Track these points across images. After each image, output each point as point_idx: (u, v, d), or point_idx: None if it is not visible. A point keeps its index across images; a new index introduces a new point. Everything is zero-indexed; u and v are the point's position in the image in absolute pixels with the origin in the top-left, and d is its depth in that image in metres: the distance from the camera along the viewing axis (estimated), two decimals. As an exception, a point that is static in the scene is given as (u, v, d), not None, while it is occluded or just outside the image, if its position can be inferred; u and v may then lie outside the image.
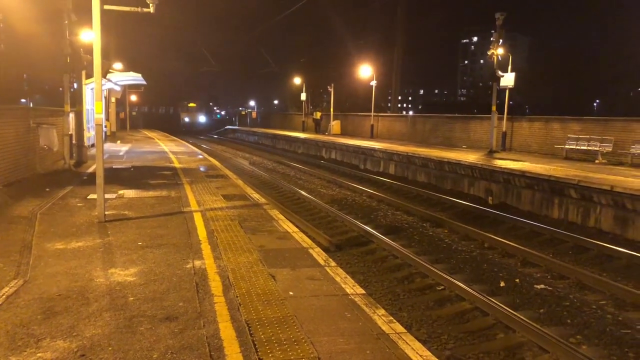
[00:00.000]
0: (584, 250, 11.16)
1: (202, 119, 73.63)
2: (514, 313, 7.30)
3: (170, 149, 26.36)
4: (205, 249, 7.45)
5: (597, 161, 18.96)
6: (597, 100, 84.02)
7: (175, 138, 37.59)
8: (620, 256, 10.51)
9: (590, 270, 9.82)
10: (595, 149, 19.42)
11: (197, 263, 6.74)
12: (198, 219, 9.36)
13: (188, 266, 6.61)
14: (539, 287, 8.97)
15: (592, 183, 13.10)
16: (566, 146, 20.66)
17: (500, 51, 21.29)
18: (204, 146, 36.60)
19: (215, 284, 5.96)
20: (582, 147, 20.03)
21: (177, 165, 18.42)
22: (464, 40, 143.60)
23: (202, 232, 8.40)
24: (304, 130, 46.45)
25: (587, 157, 19.72)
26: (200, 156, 22.80)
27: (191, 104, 72.49)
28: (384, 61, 47.65)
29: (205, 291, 5.73)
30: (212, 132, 68.61)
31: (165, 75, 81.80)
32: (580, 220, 13.46)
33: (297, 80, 50.96)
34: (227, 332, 4.70)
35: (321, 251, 7.61)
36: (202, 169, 17.55)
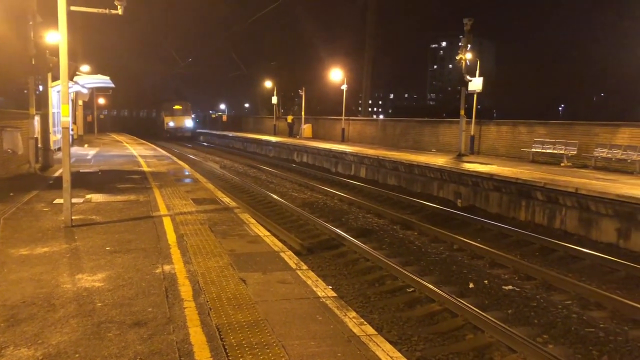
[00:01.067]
0: (550, 251, 11.40)
1: (189, 123, 58.62)
2: (483, 314, 7.41)
3: (139, 152, 26.01)
4: (175, 253, 7.37)
5: (562, 164, 19.40)
6: (562, 105, 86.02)
7: (144, 141, 37.09)
8: (585, 257, 10.77)
9: (556, 270, 10.03)
10: (561, 152, 19.86)
11: (167, 268, 6.66)
12: (167, 224, 9.26)
13: (157, 271, 6.53)
14: (507, 288, 9.13)
15: (558, 185, 13.40)
16: (532, 149, 21.08)
17: (468, 56, 21.64)
18: (174, 150, 36.20)
19: (185, 289, 5.90)
20: (548, 151, 20.47)
21: (146, 169, 18.19)
22: (433, 45, 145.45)
23: (171, 237, 8.31)
24: (275, 134, 46.37)
25: (553, 160, 20.15)
26: (170, 160, 22.56)
27: (177, 106, 57.28)
28: (355, 65, 47.92)
29: (175, 296, 5.67)
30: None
31: (134, 78, 73.85)
32: (547, 222, 13.74)
33: (269, 84, 50.86)
34: (197, 337, 4.66)
35: (292, 254, 7.60)
36: (171, 172, 17.36)
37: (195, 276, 6.36)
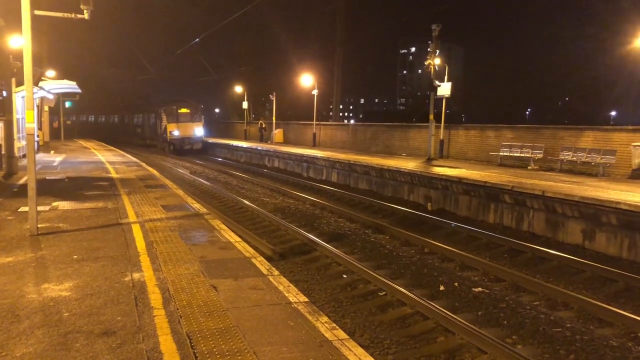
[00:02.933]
0: (518, 253, 11.59)
1: (199, 131, 41.99)
2: (454, 316, 7.49)
3: (107, 159, 25.58)
4: (144, 261, 7.26)
5: (529, 167, 19.77)
6: (529, 109, 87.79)
7: (112, 148, 36.49)
8: (552, 258, 10.98)
9: (525, 272, 10.21)
10: (528, 155, 20.25)
11: (136, 276, 6.56)
12: (137, 231, 9.12)
13: (126, 279, 6.43)
14: (476, 290, 9.25)
15: (525, 188, 13.65)
16: (500, 153, 21.44)
17: (437, 61, 21.91)
18: (142, 155, 35.69)
19: (155, 297, 5.82)
20: (516, 154, 20.85)
21: (114, 175, 17.90)
22: (403, 51, 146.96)
23: (140, 244, 8.19)
24: (246, 139, 46.14)
25: (520, 164, 20.53)
26: (139, 166, 22.24)
27: (183, 109, 41.48)
28: (325, 70, 48.13)
29: (145, 304, 5.59)
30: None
31: (103, 84, 70.26)
32: (515, 224, 13.98)
33: (239, 89, 50.64)
34: (167, 345, 4.60)
35: (264, 260, 7.57)
36: (140, 179, 17.11)
37: (165, 284, 6.28)
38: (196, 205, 12.15)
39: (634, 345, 7.01)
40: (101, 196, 12.96)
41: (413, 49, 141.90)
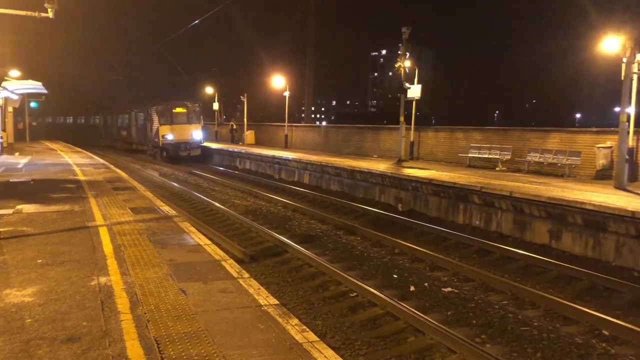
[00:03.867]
0: (487, 253, 11.75)
1: (197, 135, 35.41)
2: (424, 316, 7.56)
3: (74, 161, 25.08)
4: (112, 264, 7.12)
5: (497, 168, 20.08)
6: (497, 111, 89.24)
7: (80, 149, 35.82)
8: (520, 258, 11.16)
9: (493, 272, 10.35)
10: (496, 157, 20.56)
11: (103, 280, 6.43)
12: (104, 234, 8.95)
13: (93, 283, 6.29)
14: (446, 290, 9.34)
15: (493, 189, 13.85)
16: (469, 154, 21.72)
17: (407, 64, 22.10)
18: (110, 157, 35.10)
19: (122, 301, 5.71)
20: (484, 156, 21.15)
21: (81, 177, 17.55)
22: (374, 53, 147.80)
23: (108, 248, 8.04)
24: (217, 140, 45.78)
25: (489, 165, 20.83)
26: (107, 168, 21.87)
27: (179, 109, 35.18)
28: (297, 72, 48.06)
29: (111, 309, 5.48)
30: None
31: (70, 84, 68.60)
32: (484, 224, 14.18)
33: (209, 90, 50.23)
34: (134, 350, 4.51)
35: (234, 263, 7.50)
36: (108, 181, 16.82)
37: (133, 287, 6.17)
38: (165, 208, 11.99)
39: (598, 342, 7.17)
40: (68, 199, 12.68)
41: (384, 52, 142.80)
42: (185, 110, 35.14)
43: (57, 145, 40.84)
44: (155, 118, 34.55)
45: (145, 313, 5.38)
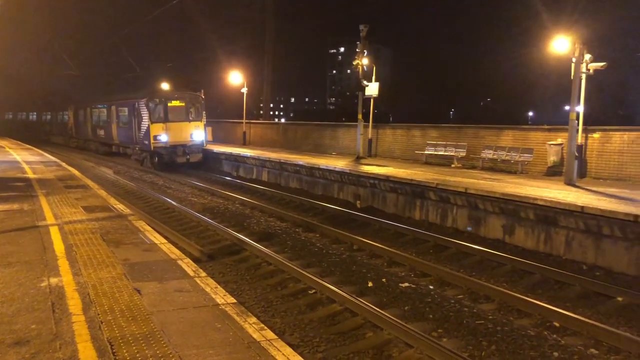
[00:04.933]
0: (443, 248, 11.95)
1: (199, 135, 28.35)
2: (381, 312, 7.62)
3: (23, 158, 24.22)
4: (63, 265, 6.91)
5: (453, 165, 20.44)
6: (453, 109, 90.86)
7: (30, 147, 34.61)
8: (475, 253, 11.39)
9: (449, 267, 10.53)
10: (451, 154, 20.93)
11: (53, 281, 6.23)
12: (55, 234, 8.67)
13: (43, 284, 6.09)
14: (403, 285, 9.45)
15: (449, 186, 14.09)
16: (426, 152, 22.03)
17: (365, 61, 22.21)
18: (62, 154, 34.07)
19: (74, 302, 5.55)
20: (440, 153, 21.49)
21: (31, 175, 16.97)
22: (332, 51, 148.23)
23: (59, 247, 7.79)
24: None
25: (445, 162, 21.18)
26: (58, 166, 21.21)
27: (175, 102, 27.95)
28: (255, 68, 47.73)
29: (63, 310, 5.31)
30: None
31: (19, 80, 65.75)
32: (440, 220, 14.41)
33: (165, 86, 49.38)
34: (86, 352, 4.39)
35: (191, 262, 7.39)
36: (60, 179, 16.31)
37: (86, 288, 6.00)
38: (119, 206, 11.72)
39: (550, 334, 7.38)
40: (16, 197, 12.23)
41: (342, 49, 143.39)
42: (183, 104, 27.70)
43: (4, 142, 39.38)
44: (145, 114, 26.85)
45: (98, 314, 5.24)
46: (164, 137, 26.58)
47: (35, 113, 59.38)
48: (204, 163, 28.19)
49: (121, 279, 6.41)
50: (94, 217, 10.27)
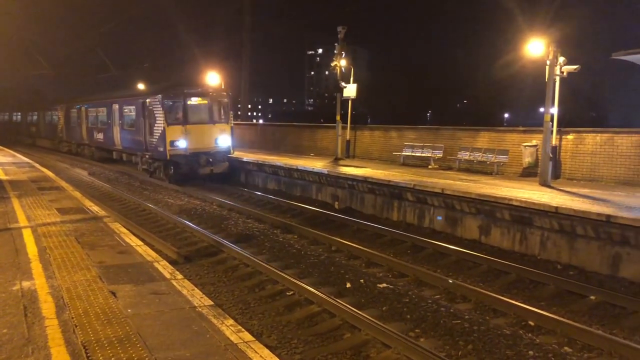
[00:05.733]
0: (420, 249, 12.03)
1: (225, 141, 22.83)
2: (359, 312, 7.64)
3: (-5, 159, 23.77)
4: (36, 268, 6.79)
5: (430, 167, 20.59)
6: (430, 111, 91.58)
7: (2, 147, 33.97)
8: (451, 253, 11.49)
9: (427, 267, 10.61)
10: (428, 155, 21.08)
11: (26, 284, 6.11)
12: (28, 236, 8.52)
13: (15, 288, 5.97)
14: (381, 286, 9.48)
15: (426, 187, 14.19)
16: (403, 153, 22.15)
17: (343, 63, 22.27)
18: (35, 156, 33.48)
19: (48, 306, 5.45)
20: (417, 154, 21.63)
21: (3, 177, 16.65)
22: (310, 52, 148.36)
23: (32, 250, 7.65)
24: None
25: (422, 163, 21.32)
26: (31, 167, 20.85)
27: (198, 100, 22.54)
28: (233, 69, 47.51)
29: (35, 314, 5.21)
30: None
31: None
32: (417, 221, 14.51)
33: (142, 86, 48.84)
34: (60, 357, 4.31)
35: (167, 264, 7.33)
36: (33, 180, 16.03)
37: (60, 291, 5.90)
38: (95, 208, 11.56)
39: (525, 333, 7.48)
40: (-13, 200, 11.99)
41: (320, 50, 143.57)
42: (206, 102, 22.60)
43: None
44: (160, 114, 21.59)
45: (72, 318, 5.16)
46: (182, 143, 21.36)
47: (19, 114, 53.37)
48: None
49: (96, 281, 6.32)
50: (69, 219, 10.11)
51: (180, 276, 6.72)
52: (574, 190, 13.64)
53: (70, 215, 10.54)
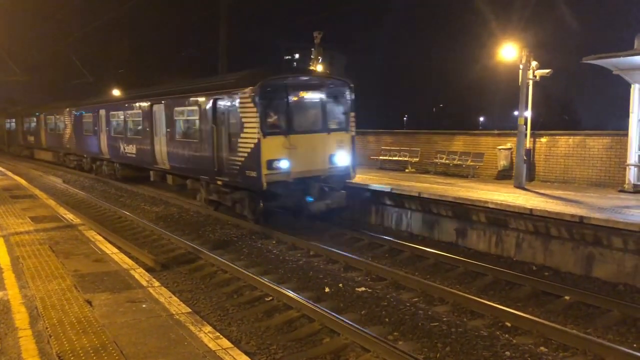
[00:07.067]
0: (398, 252, 12.09)
1: (342, 159, 14.41)
2: (338, 317, 7.65)
3: (-35, 167, 23.28)
4: (9, 277, 6.67)
5: (407, 170, 20.74)
6: (406, 115, 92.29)
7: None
8: (429, 256, 11.57)
9: (404, 270, 10.66)
10: (405, 159, 21.23)
11: (-2, 295, 6.00)
12: (0, 246, 8.36)
13: (-13, 299, 5.85)
14: (360, 289, 9.51)
15: (403, 190, 14.28)
16: (380, 157, 22.28)
17: (319, 68, 22.35)
18: (7, 163, 32.89)
19: (21, 316, 5.36)
20: (394, 158, 21.76)
21: (-26, 185, 16.31)
22: (287, 57, 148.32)
23: (4, 260, 7.51)
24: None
25: (399, 167, 21.46)
26: (3, 175, 20.46)
27: (306, 92, 14.23)
28: (209, 74, 47.31)
29: (8, 325, 5.12)
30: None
31: None
32: (395, 225, 14.58)
33: (117, 92, 48.29)
34: (34, 368, 4.24)
35: (144, 272, 7.26)
36: (5, 189, 15.73)
37: (33, 301, 5.80)
38: (69, 216, 11.40)
39: (502, 334, 7.56)
40: (-42, 209, 11.75)
41: (297, 55, 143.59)
42: (319, 97, 14.68)
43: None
44: (251, 117, 13.45)
45: (47, 328, 5.08)
46: (285, 164, 13.37)
47: (12, 120, 45.12)
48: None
49: (71, 290, 6.23)
50: (42, 227, 9.95)
51: (157, 284, 6.67)
52: (548, 192, 13.87)
53: (44, 223, 10.38)
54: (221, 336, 5.06)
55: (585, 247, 10.35)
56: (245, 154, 13.53)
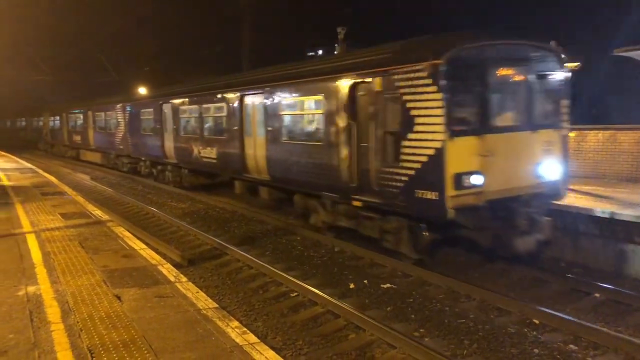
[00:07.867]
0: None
1: (551, 170, 9.85)
2: (364, 313, 7.64)
3: (-2, 165, 23.84)
4: (41, 272, 6.82)
5: None
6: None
7: (4, 153, 34.08)
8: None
9: (429, 267, 10.55)
10: None
11: (31, 289, 6.14)
12: (32, 241, 8.55)
13: (20, 293, 6.00)
14: (385, 286, 9.47)
15: None
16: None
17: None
18: (38, 161, 33.58)
19: (53, 310, 5.47)
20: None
21: (6, 183, 16.70)
22: (310, 53, 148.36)
23: (36, 255, 7.68)
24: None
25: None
26: (34, 172, 20.90)
27: (509, 70, 9.35)
28: (233, 71, 47.59)
29: (41, 319, 5.24)
30: None
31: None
32: None
33: (143, 90, 48.86)
34: (66, 361, 4.33)
35: (172, 267, 7.36)
36: (36, 186, 16.08)
37: (65, 296, 5.92)
38: (98, 212, 11.59)
39: (530, 331, 7.47)
40: (-9, 206, 12.04)
41: (320, 52, 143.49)
42: (525, 74, 9.88)
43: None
44: (427, 104, 8.89)
45: (77, 322, 5.18)
46: (478, 179, 8.98)
47: (57, 117, 40.65)
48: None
49: (101, 285, 6.34)
50: (72, 224, 10.15)
51: (184, 279, 6.75)
52: (577, 187, 13.62)
53: (74, 220, 10.58)
54: (248, 331, 5.11)
55: (616, 244, 10.13)
56: (416, 165, 9.20)
